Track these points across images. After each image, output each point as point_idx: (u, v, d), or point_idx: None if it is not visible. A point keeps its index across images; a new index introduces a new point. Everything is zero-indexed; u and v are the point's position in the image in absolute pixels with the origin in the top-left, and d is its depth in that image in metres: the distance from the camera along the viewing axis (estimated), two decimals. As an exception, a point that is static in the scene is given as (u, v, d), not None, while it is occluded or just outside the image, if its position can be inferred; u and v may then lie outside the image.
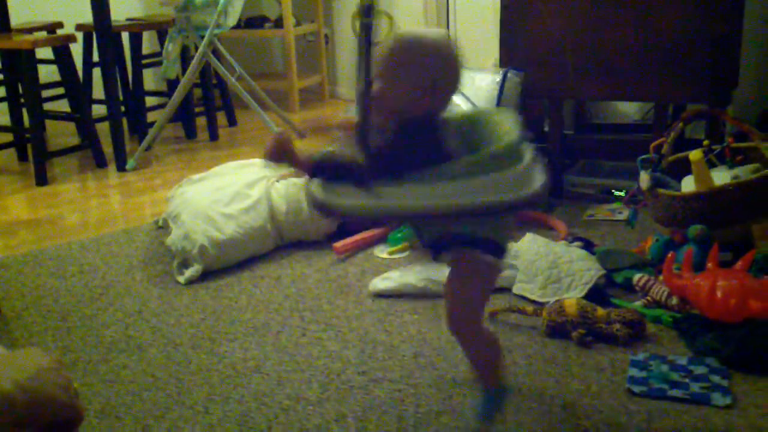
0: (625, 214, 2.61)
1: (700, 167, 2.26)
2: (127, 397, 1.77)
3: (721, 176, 2.29)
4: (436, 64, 1.37)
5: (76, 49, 4.12)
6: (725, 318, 1.82)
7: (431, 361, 1.84)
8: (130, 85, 4.35)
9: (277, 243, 2.62)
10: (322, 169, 1.36)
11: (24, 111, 3.85)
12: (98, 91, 4.11)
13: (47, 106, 4.11)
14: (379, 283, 2.23)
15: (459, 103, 2.85)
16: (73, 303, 2.28)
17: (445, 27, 4.19)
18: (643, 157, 2.45)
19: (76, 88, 3.90)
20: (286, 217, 2.60)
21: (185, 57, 4.14)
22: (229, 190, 2.63)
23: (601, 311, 1.91)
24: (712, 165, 2.38)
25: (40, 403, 0.85)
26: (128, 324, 2.13)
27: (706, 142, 2.43)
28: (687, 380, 1.68)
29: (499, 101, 2.89)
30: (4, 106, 4.02)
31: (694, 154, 2.28)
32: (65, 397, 0.89)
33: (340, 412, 1.66)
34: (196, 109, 4.38)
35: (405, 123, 1.37)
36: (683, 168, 2.37)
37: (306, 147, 1.39)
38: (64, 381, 0.90)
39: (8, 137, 3.97)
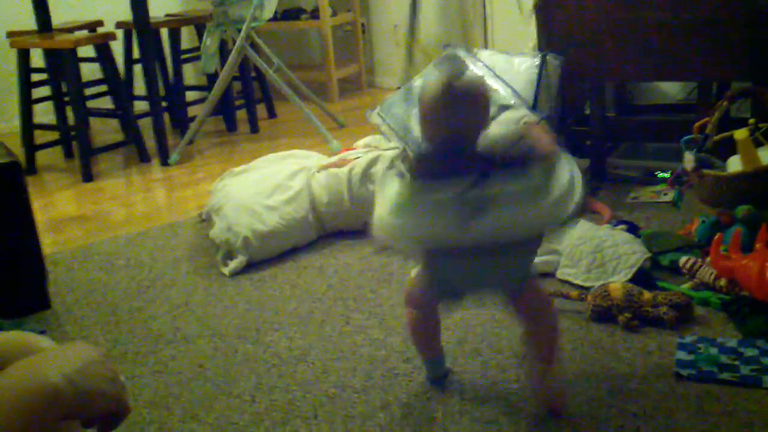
0: (670, 195, 2.57)
1: (746, 146, 2.22)
2: (175, 387, 1.80)
3: (768, 155, 2.25)
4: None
5: (117, 47, 4.18)
6: (775, 299, 1.79)
7: (475, 348, 1.83)
8: (171, 81, 4.40)
9: (319, 233, 2.63)
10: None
11: (68, 109, 3.93)
12: (140, 87, 4.17)
13: (90, 104, 4.17)
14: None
15: (498, 88, 2.83)
16: (121, 296, 2.32)
17: (482, 13, 4.16)
18: (688, 137, 2.41)
19: (118, 85, 3.96)
20: (328, 207, 2.62)
21: (224, 51, 4.17)
22: (270, 182, 2.65)
23: (647, 294, 1.89)
24: (758, 144, 2.33)
25: (88, 396, 0.86)
26: (175, 316, 2.16)
27: (752, 121, 2.38)
28: (737, 363, 1.65)
29: (539, 85, 2.86)
30: (49, 105, 4.10)
31: (740, 133, 2.24)
32: (113, 390, 0.90)
33: (385, 399, 1.66)
34: (236, 102, 4.42)
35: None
36: (729, 147, 2.33)
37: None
38: (112, 374, 0.91)
39: (54, 135, 4.04)
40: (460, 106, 1.46)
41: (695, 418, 1.51)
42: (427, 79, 1.55)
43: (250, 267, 2.43)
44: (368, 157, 2.71)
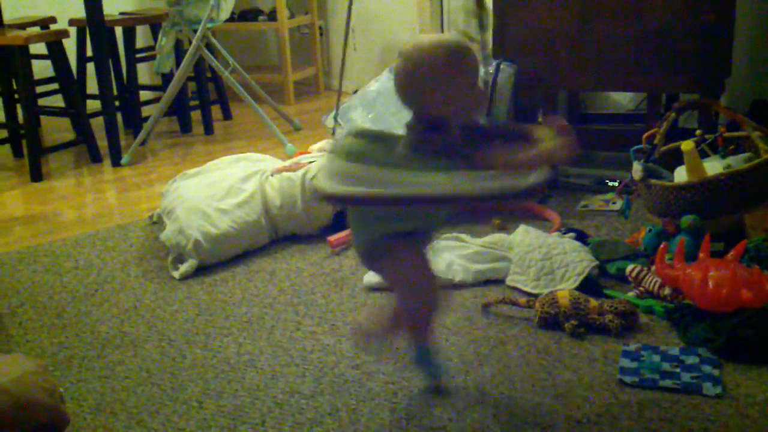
0: (618, 204, 2.62)
1: (692, 157, 2.27)
2: (121, 392, 1.78)
3: (713, 166, 2.30)
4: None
5: (70, 44, 4.11)
6: (717, 308, 1.83)
7: (424, 354, 1.84)
8: (125, 80, 4.34)
9: (271, 237, 2.62)
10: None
11: (18, 107, 3.85)
12: (92, 86, 4.11)
13: (41, 102, 4.11)
14: (374, 276, 2.24)
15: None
16: (68, 299, 2.29)
17: (438, 19, 4.19)
18: (636, 147, 2.45)
19: (70, 84, 3.90)
20: (281, 211, 2.61)
21: (179, 51, 4.13)
22: (223, 185, 2.64)
23: (593, 302, 1.92)
24: (704, 155, 2.38)
25: (25, 407, 0.86)
26: (123, 320, 2.14)
27: (698, 132, 2.43)
28: (678, 370, 1.69)
29: (493, 92, 2.89)
30: (-1, 102, 4.02)
31: (686, 145, 2.28)
32: (50, 401, 0.89)
33: (334, 405, 1.67)
34: (191, 103, 4.38)
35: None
36: (676, 158, 2.38)
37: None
38: (49, 385, 0.90)
39: (3, 133, 3.96)
40: (467, 64, 1.44)
41: (637, 424, 1.54)
42: (416, 43, 1.47)
43: (201, 271, 2.41)
44: (322, 161, 2.70)
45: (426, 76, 1.43)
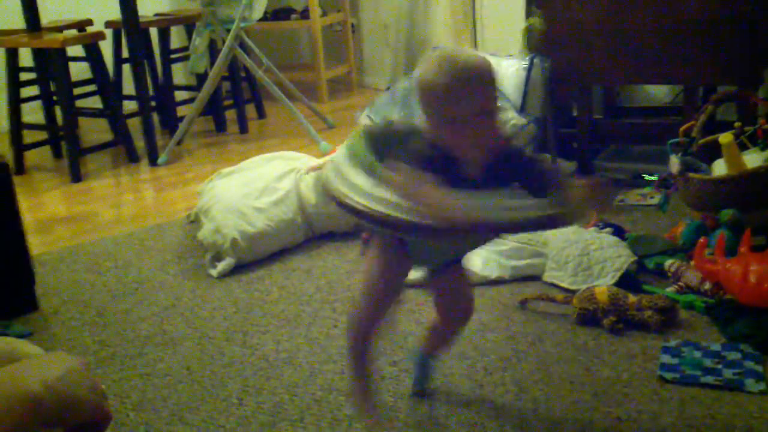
0: (656, 198, 2.59)
1: (731, 150, 2.23)
2: (162, 390, 1.80)
3: (753, 159, 2.26)
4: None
5: (106, 46, 4.17)
6: (759, 303, 1.81)
7: (462, 351, 1.84)
8: (160, 80, 4.39)
9: (307, 235, 2.63)
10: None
11: (57, 109, 3.92)
12: (129, 87, 4.16)
13: (79, 103, 4.16)
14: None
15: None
16: (108, 298, 2.32)
17: (471, 13, 4.17)
18: (674, 140, 2.42)
19: (106, 85, 3.95)
20: (316, 208, 2.62)
21: (213, 51, 4.17)
22: (258, 184, 2.66)
23: (632, 298, 1.90)
24: (743, 147, 2.34)
25: (68, 404, 0.86)
26: (163, 318, 2.17)
27: (737, 124, 2.40)
28: (720, 366, 1.67)
29: (527, 87, 2.87)
30: (38, 104, 4.08)
31: (725, 137, 2.25)
32: (93, 398, 0.90)
33: (372, 402, 1.67)
34: (225, 103, 4.41)
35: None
36: (714, 151, 2.34)
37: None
38: (92, 382, 0.91)
39: (43, 135, 4.02)
40: (486, 81, 1.32)
41: (678, 421, 1.52)
42: (431, 61, 1.34)
43: (238, 269, 2.43)
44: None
45: (459, 91, 1.30)
